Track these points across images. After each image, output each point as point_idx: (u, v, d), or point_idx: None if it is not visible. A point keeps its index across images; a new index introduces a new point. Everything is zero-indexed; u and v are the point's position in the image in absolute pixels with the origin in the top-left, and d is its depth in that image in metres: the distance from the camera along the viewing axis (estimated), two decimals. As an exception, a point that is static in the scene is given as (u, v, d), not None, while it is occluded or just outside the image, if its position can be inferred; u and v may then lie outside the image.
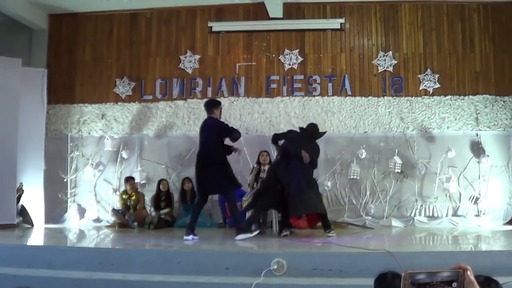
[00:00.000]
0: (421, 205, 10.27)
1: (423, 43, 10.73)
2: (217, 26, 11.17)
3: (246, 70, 11.08)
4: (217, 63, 11.16)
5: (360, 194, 10.38)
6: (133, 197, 10.21)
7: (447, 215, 10.16)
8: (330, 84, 10.83)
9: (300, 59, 10.95)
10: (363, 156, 10.31)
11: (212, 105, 8.29)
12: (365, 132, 10.59)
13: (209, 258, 6.01)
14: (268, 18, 10.95)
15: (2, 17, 11.03)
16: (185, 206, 10.30)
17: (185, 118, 10.91)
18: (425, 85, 10.64)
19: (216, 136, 7.92)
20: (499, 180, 10.19)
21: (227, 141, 8.23)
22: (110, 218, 10.49)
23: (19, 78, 9.99)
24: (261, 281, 5.49)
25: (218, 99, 10.54)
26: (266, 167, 9.21)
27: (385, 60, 10.78)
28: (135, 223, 9.79)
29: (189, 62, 11.17)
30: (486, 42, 10.65)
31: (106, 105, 11.26)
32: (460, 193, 10.18)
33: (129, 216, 9.89)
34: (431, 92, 10.61)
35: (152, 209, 10.32)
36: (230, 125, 8.24)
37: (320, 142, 10.17)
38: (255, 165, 9.42)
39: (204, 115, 10.85)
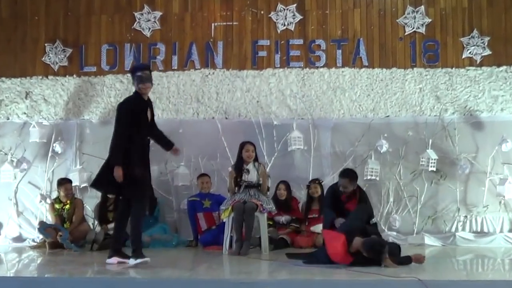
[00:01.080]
0: (465, 217, 10.26)
1: (467, -6, 10.81)
2: (185, -29, 11.17)
3: (225, 32, 11.03)
4: (185, 23, 11.10)
5: (380, 201, 10.37)
6: (69, 207, 10.07)
7: (501, 231, 10.19)
8: (339, 52, 10.82)
9: (299, 17, 10.89)
10: (385, 149, 10.29)
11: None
12: (387, 116, 10.59)
13: (174, 288, 5.85)
14: (255, -40, 10.97)
15: None
16: (141, 218, 10.08)
17: None
18: (470, 52, 10.62)
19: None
20: None
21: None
22: (37, 236, 10.39)
23: None
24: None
25: (188, 71, 10.30)
26: (251, 166, 9.05)
27: (414, 18, 10.72)
28: (72, 243, 9.55)
29: (147, 21, 11.09)
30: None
31: (31, 79, 11.14)
32: (519, 199, 10.24)
33: (63, 233, 9.64)
34: (478, 61, 10.61)
35: (96, 222, 10.19)
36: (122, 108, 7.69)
37: (326, 130, 10.09)
38: (230, 170, 9.23)
39: (168, 93, 10.71)
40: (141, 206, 7.65)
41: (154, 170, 10.36)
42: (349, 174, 8.30)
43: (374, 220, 8.28)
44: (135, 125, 7.51)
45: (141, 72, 7.66)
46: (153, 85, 10.59)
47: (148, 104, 7.80)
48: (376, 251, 6.89)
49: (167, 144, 8.15)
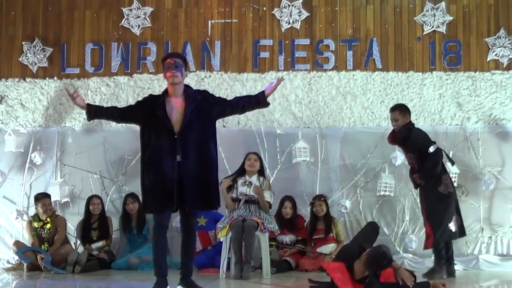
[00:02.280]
0: (490, 238, 10.25)
1: (494, -11, 10.82)
2: (179, -38, 11.20)
3: (223, 30, 11.07)
4: (179, 20, 11.13)
5: (395, 220, 10.39)
6: (49, 225, 10.05)
7: (531, 254, 10.19)
8: (350, 53, 10.86)
9: (305, 14, 10.93)
10: (400, 161, 10.28)
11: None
12: (403, 125, 10.50)
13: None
14: (257, -50, 11.01)
15: None
16: (129, 238, 10.23)
17: (130, 102, 10.58)
18: (496, 54, 10.62)
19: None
20: None
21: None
22: (12, 257, 10.36)
23: None
24: None
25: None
26: (254, 178, 9.11)
27: (434, 16, 10.74)
28: (51, 265, 9.57)
29: (136, 18, 11.12)
30: None
31: (6, 82, 11.17)
32: (551, 219, 10.24)
33: (45, 257, 9.65)
34: (505, 64, 10.61)
35: (78, 242, 10.21)
36: None
37: (334, 140, 10.13)
38: (222, 180, 9.16)
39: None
40: None
41: (143, 184, 10.44)
42: (398, 106, 9.21)
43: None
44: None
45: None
46: (143, 89, 10.77)
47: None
48: (377, 263, 6.83)
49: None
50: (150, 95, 7.51)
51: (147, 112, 6.93)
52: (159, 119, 6.83)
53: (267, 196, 9.05)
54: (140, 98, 10.22)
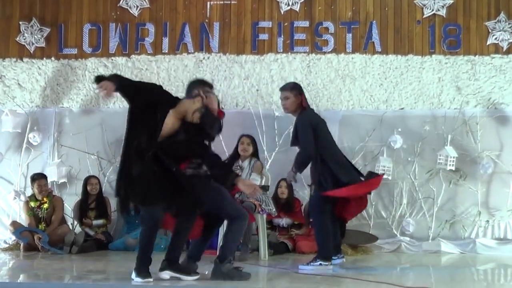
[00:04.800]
0: (487, 222, 10.29)
1: (495, -29, 10.80)
2: None
3: (221, 12, 11.04)
4: (178, 1, 11.11)
5: (392, 203, 10.44)
6: (46, 205, 10.08)
7: (528, 237, 10.24)
8: (349, 36, 10.85)
9: None
10: (398, 145, 10.35)
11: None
12: (402, 108, 10.64)
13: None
14: None
15: None
16: (127, 219, 10.18)
17: None
18: (495, 38, 10.62)
19: None
20: None
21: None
22: (9, 237, 10.39)
23: None
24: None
25: (180, 55, 10.63)
26: (246, 163, 9.14)
27: (434, -1, 10.73)
28: (48, 245, 9.61)
29: None
30: None
31: (4, 62, 11.16)
32: (548, 203, 10.28)
33: (42, 237, 9.67)
34: (504, 48, 10.62)
35: (76, 223, 10.22)
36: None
37: (333, 123, 10.12)
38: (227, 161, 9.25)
39: (157, 79, 10.73)
40: None
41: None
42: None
43: None
44: None
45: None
46: (141, 70, 10.81)
47: None
48: None
49: None
50: None
51: None
52: None
53: (256, 178, 9.03)
54: (137, 79, 10.35)
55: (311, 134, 7.58)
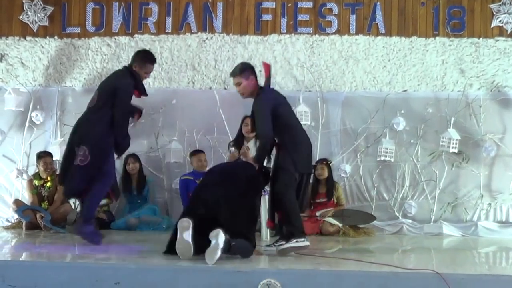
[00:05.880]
0: (489, 204, 10.32)
1: (500, -48, 10.78)
2: None
3: (225, -8, 11.01)
4: (181, -19, 11.06)
5: (395, 185, 10.46)
6: (50, 184, 10.09)
7: (529, 221, 10.26)
8: (353, 17, 10.85)
9: None
10: (401, 127, 10.36)
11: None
12: (405, 90, 10.64)
13: (164, 277, 5.94)
14: None
15: None
16: (129, 198, 10.30)
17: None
18: (500, 21, 10.62)
19: None
20: None
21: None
22: (12, 215, 10.43)
23: None
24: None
25: (183, 35, 10.51)
26: (252, 143, 9.04)
27: (439, -20, 10.71)
28: (51, 224, 9.59)
29: None
30: None
31: (7, 40, 11.11)
32: (550, 186, 10.29)
33: (44, 215, 9.65)
34: (509, 31, 10.63)
35: (77, 202, 9.95)
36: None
37: (336, 104, 10.09)
38: (233, 150, 9.21)
39: (160, 59, 10.68)
40: None
41: (144, 145, 10.49)
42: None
43: None
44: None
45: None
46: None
47: None
48: None
49: None
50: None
51: None
52: None
53: None
54: None
55: (269, 117, 7.01)
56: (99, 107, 7.80)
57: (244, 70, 7.39)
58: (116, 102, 7.73)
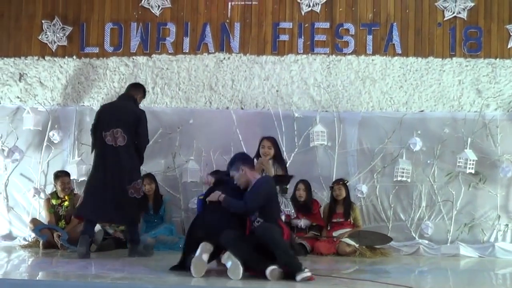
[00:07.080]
0: (506, 225, 10.25)
1: (517, -26, 10.75)
2: None
3: (242, 12, 11.05)
4: (199, 1, 11.11)
5: (411, 206, 10.41)
6: (66, 203, 10.09)
7: (547, 242, 10.19)
8: (369, 37, 10.85)
9: None
10: (418, 147, 10.29)
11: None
12: (422, 111, 10.61)
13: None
14: None
15: None
16: (145, 217, 10.23)
17: (148, 82, 10.82)
18: (517, 41, 10.60)
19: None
20: None
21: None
22: (29, 234, 10.40)
23: None
24: None
25: (201, 55, 10.64)
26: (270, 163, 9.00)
27: (455, 1, 10.68)
28: (68, 243, 9.53)
29: None
30: None
31: (26, 60, 11.19)
32: None
33: (62, 235, 9.61)
34: (526, 51, 10.57)
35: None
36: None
37: (352, 124, 10.09)
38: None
39: (177, 78, 10.71)
40: None
41: (161, 164, 10.51)
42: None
43: None
44: None
45: None
46: (162, 69, 10.85)
47: None
48: None
49: None
50: None
51: None
52: None
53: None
54: (158, 79, 10.50)
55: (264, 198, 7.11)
56: (128, 145, 8.69)
57: (233, 163, 7.49)
58: (140, 129, 8.77)
